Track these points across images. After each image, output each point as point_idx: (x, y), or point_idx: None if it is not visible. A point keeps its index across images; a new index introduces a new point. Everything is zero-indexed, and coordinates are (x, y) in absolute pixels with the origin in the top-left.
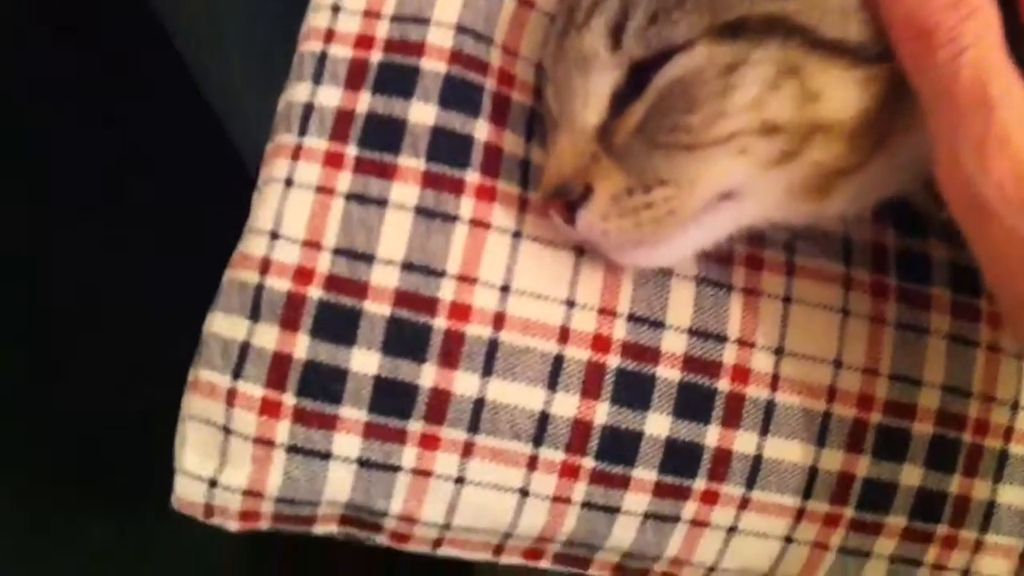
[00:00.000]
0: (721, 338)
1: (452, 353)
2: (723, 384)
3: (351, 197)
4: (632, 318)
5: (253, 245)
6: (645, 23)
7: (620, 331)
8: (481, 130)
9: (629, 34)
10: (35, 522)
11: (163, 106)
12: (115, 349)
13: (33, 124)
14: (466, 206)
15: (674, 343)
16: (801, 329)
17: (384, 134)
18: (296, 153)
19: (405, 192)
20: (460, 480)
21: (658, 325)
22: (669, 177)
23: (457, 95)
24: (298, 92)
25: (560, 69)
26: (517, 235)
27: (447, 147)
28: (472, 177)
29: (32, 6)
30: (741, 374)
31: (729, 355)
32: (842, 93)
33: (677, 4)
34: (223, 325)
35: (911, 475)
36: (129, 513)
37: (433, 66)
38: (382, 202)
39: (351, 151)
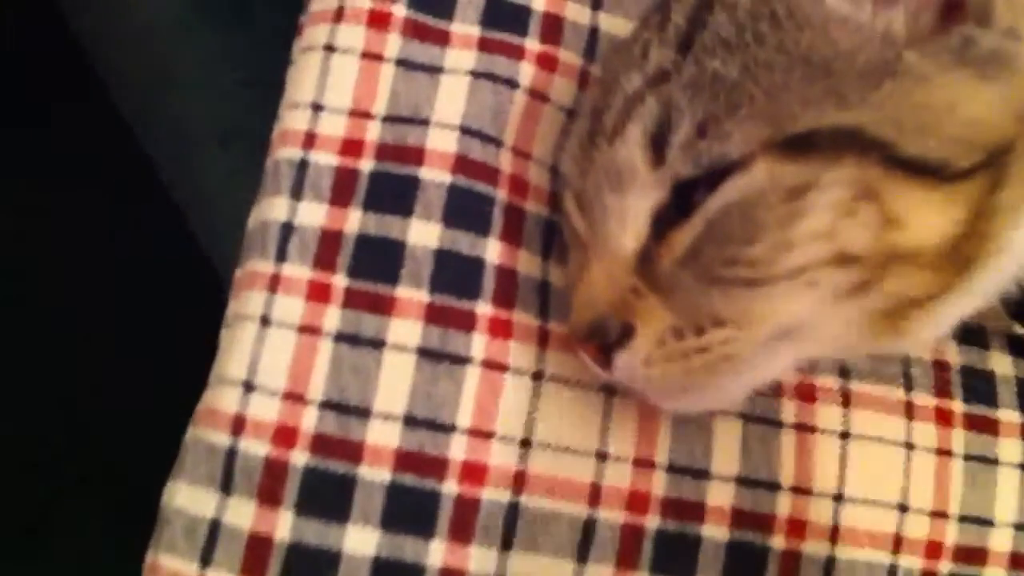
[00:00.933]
0: (773, 486)
1: (465, 524)
2: (777, 541)
3: (341, 338)
4: (672, 468)
5: (223, 398)
6: (693, 134)
7: (659, 485)
8: (493, 251)
9: (674, 148)
10: (30, 523)
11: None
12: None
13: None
14: (478, 344)
15: (720, 495)
16: (862, 469)
17: (379, 260)
18: (273, 284)
19: (406, 330)
20: None
21: (702, 475)
22: (726, 316)
23: (464, 210)
24: (274, 209)
25: (589, 183)
26: (538, 376)
27: (454, 273)
28: (484, 309)
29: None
30: (797, 528)
31: (783, 506)
32: (925, 217)
33: (729, 111)
34: (188, 499)
35: None
36: (123, 515)
37: (435, 176)
38: (378, 343)
39: (340, 281)
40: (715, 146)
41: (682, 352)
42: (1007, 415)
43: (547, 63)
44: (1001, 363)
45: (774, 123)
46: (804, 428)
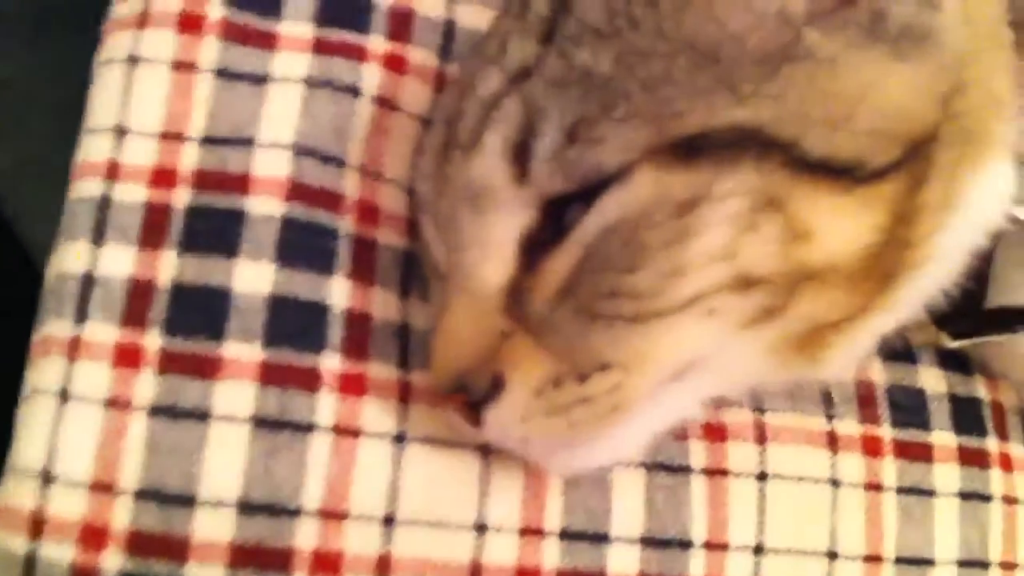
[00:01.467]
0: (684, 544)
1: None
2: None
3: (157, 411)
4: (566, 535)
5: (17, 493)
6: (561, 140)
7: (552, 556)
8: (339, 293)
9: (539, 158)
10: None
11: None
12: None
13: None
14: (325, 407)
15: (623, 561)
16: (783, 514)
17: (200, 312)
18: (72, 350)
19: (236, 396)
20: None
21: (600, 539)
22: (612, 359)
23: (301, 246)
24: (71, 257)
25: (444, 205)
26: (400, 439)
27: (292, 323)
28: (330, 363)
29: None
30: None
31: (696, 566)
32: (838, 227)
33: (603, 112)
34: None
35: None
36: None
37: (264, 207)
38: (203, 414)
39: (153, 341)
40: (588, 154)
41: (563, 404)
42: (941, 438)
43: (395, 65)
44: (931, 379)
45: (656, 124)
46: (715, 472)
